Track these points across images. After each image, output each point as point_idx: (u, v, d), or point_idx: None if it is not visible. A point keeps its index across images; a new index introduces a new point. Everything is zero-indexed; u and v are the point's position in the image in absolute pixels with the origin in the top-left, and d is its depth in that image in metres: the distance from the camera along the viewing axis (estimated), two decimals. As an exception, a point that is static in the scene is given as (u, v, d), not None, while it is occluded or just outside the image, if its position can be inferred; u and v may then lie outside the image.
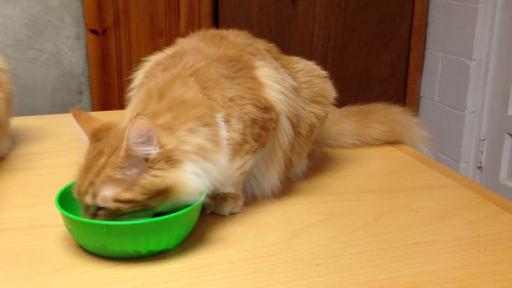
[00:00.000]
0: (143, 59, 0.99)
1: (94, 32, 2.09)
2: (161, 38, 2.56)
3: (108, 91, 2.47)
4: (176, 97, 0.81)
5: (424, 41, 2.62)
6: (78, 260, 0.75)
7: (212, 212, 0.89)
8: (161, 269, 0.74)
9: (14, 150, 1.16)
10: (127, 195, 0.72)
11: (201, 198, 0.79)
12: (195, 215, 0.80)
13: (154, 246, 0.75)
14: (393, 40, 2.69)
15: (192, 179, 0.75)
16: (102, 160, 0.74)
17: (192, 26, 2.60)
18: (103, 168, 0.73)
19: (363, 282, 0.71)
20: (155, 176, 0.73)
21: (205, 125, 0.80)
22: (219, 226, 0.85)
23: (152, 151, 0.73)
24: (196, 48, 0.93)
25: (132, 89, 0.97)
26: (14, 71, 1.16)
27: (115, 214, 0.74)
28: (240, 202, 0.91)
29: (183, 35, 2.84)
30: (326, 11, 2.64)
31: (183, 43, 0.98)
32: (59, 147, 1.22)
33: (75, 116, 0.80)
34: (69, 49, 1.73)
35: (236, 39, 0.98)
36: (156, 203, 0.74)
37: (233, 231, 0.84)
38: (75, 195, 0.75)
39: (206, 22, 2.61)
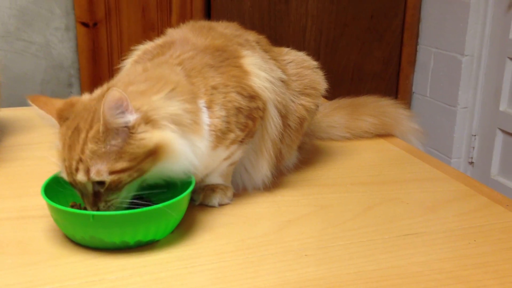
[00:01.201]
0: (132, 48, 0.98)
1: (85, 25, 2.07)
2: (152, 31, 2.54)
3: (99, 84, 2.45)
4: (157, 75, 0.80)
5: (417, 36, 2.62)
6: (65, 251, 0.74)
7: (201, 203, 0.88)
8: (149, 259, 0.73)
9: (2, 141, 1.15)
10: (120, 165, 0.72)
11: (190, 189, 0.78)
12: (184, 205, 0.79)
13: (141, 236, 0.74)
14: (386, 35, 2.69)
15: (175, 139, 0.74)
16: (82, 135, 0.72)
17: (184, 20, 2.56)
18: (85, 144, 0.72)
19: (353, 273, 0.71)
20: (140, 139, 0.72)
21: (184, 101, 0.78)
22: (208, 217, 0.84)
23: (131, 119, 0.71)
24: (184, 38, 0.92)
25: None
26: (3, 63, 1.15)
27: (117, 187, 0.73)
28: (229, 193, 0.90)
29: (175, 29, 2.80)
30: (319, 5, 2.64)
31: (172, 34, 0.97)
32: (47, 138, 1.19)
33: (33, 101, 0.78)
34: (59, 40, 1.72)
35: (225, 30, 0.97)
36: (149, 165, 0.73)
37: (222, 222, 0.83)
38: (66, 177, 0.74)
39: (198, 16, 2.60)
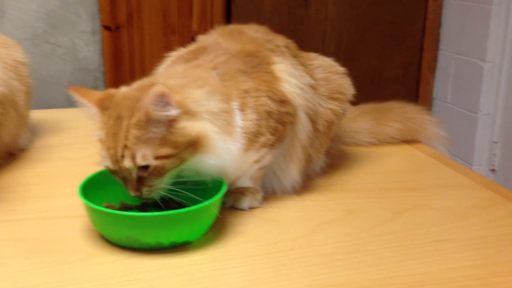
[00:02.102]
0: (165, 54, 1.00)
1: (107, 28, 2.10)
2: (173, 35, 2.57)
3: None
4: (195, 74, 0.82)
5: (437, 42, 2.62)
6: (101, 250, 0.76)
7: (231, 206, 0.89)
8: (183, 260, 0.74)
9: (33, 142, 1.17)
10: (164, 151, 0.74)
11: (222, 191, 0.79)
12: (216, 207, 0.80)
13: (176, 237, 0.76)
14: (406, 41, 2.68)
15: (214, 133, 0.77)
16: (124, 123, 0.74)
17: (205, 24, 2.60)
18: (128, 130, 0.74)
19: (384, 278, 0.71)
20: (182, 128, 0.74)
21: (221, 101, 0.81)
22: (239, 220, 0.86)
23: (172, 113, 0.74)
24: (216, 43, 0.94)
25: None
26: (30, 65, 1.17)
27: (160, 172, 0.75)
28: (259, 197, 0.91)
29: (195, 33, 2.84)
30: (339, 10, 2.64)
31: (203, 40, 0.99)
32: (76, 140, 1.22)
33: (76, 91, 0.81)
34: (85, 44, 1.74)
35: (255, 33, 0.98)
36: (189, 155, 0.76)
37: (253, 226, 0.84)
38: (111, 165, 0.76)
39: (218, 20, 2.62)
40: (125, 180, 0.77)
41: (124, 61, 2.49)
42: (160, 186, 0.77)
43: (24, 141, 1.12)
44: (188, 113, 0.75)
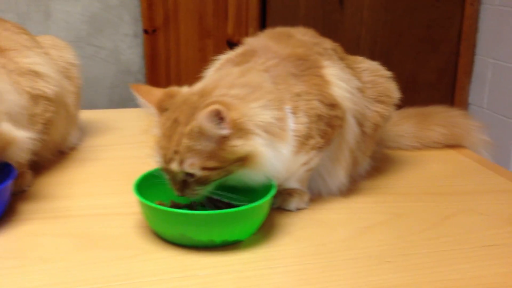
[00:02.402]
0: (213, 58, 1.02)
1: (145, 31, 2.14)
2: (208, 38, 2.60)
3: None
4: (254, 81, 0.84)
5: (473, 46, 2.58)
6: (155, 247, 0.78)
7: (279, 207, 0.90)
8: (235, 258, 0.75)
9: (83, 141, 1.21)
10: (211, 164, 0.76)
11: (271, 192, 0.80)
12: (267, 207, 0.81)
13: (228, 236, 0.77)
14: (442, 45, 2.66)
15: (265, 149, 0.78)
16: (179, 129, 0.76)
17: (239, 28, 2.63)
18: (181, 137, 0.76)
19: (435, 281, 0.72)
20: (233, 145, 0.76)
21: (276, 109, 0.82)
22: (286, 221, 0.87)
23: (225, 132, 0.75)
24: (265, 46, 0.95)
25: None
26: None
27: (204, 182, 0.77)
28: (306, 198, 0.92)
29: (230, 36, 2.85)
30: (374, 15, 2.63)
31: (251, 42, 1.00)
32: (122, 140, 1.26)
33: (136, 90, 0.83)
34: (127, 46, 1.78)
35: (303, 36, 0.99)
36: (236, 168, 0.78)
37: (301, 226, 0.85)
38: (161, 163, 0.78)
39: (253, 24, 2.63)
40: (171, 179, 0.80)
41: (160, 63, 2.53)
42: (203, 192, 0.79)
43: (74, 140, 1.15)
44: (241, 130, 0.76)
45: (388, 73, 1.06)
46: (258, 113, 0.78)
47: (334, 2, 2.57)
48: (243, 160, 0.77)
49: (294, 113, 0.84)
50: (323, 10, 2.60)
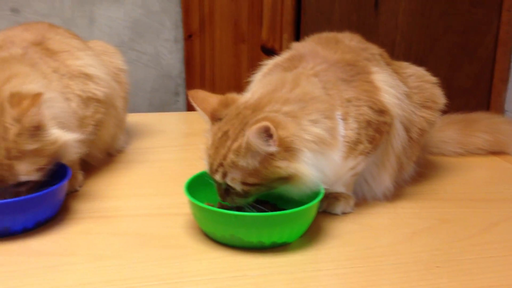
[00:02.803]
0: (260, 63, 1.03)
1: (181, 36, 2.17)
2: (243, 43, 2.62)
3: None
4: (306, 92, 0.84)
5: (510, 53, 2.54)
6: (206, 247, 0.79)
7: (325, 210, 0.91)
8: (284, 260, 0.77)
9: (129, 144, 1.24)
10: (252, 180, 0.77)
11: (320, 196, 0.81)
12: (315, 211, 0.82)
13: (277, 238, 0.78)
14: (477, 51, 2.62)
15: (310, 170, 0.78)
16: (228, 143, 0.78)
17: (274, 33, 2.64)
18: (228, 152, 0.78)
19: (487, 287, 0.71)
20: (277, 166, 0.77)
21: (327, 117, 0.83)
22: (333, 224, 0.88)
23: (272, 149, 0.76)
24: (313, 51, 0.96)
25: (249, 90, 1.00)
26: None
27: (245, 195, 0.80)
28: (352, 203, 0.93)
29: (264, 41, 2.86)
30: (409, 20, 2.60)
31: (298, 47, 1.01)
32: (167, 142, 1.28)
33: (192, 98, 0.84)
34: (168, 51, 1.81)
35: (350, 42, 1.00)
36: (278, 185, 0.79)
37: (347, 230, 0.86)
38: (208, 170, 0.81)
39: (287, 29, 2.64)
40: (217, 185, 0.82)
41: (195, 68, 2.57)
42: (243, 202, 0.81)
43: (121, 143, 1.18)
44: (287, 150, 0.77)
45: (434, 79, 1.06)
46: (309, 129, 0.79)
47: (369, 7, 2.56)
48: (286, 179, 0.78)
49: (344, 119, 0.85)
50: (357, 15, 2.58)
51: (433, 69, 2.82)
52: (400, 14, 2.58)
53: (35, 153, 0.80)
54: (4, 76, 0.85)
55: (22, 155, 0.79)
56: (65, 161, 0.87)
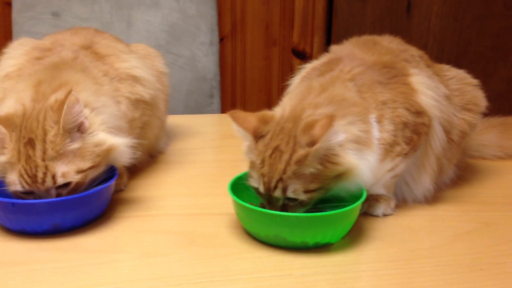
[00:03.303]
0: (299, 66, 1.04)
1: (214, 40, 2.19)
2: (274, 46, 2.64)
3: (229, 96, 2.59)
4: (337, 94, 0.85)
5: (546, 56, 2.50)
6: (250, 246, 0.81)
7: (365, 212, 0.92)
8: (328, 260, 0.78)
9: (170, 145, 1.26)
10: (313, 186, 0.78)
11: (363, 198, 0.82)
12: (357, 212, 0.83)
13: (320, 238, 0.79)
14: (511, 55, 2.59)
15: (360, 163, 0.80)
16: (284, 157, 0.78)
17: (305, 36, 2.65)
18: (288, 165, 0.78)
19: (532, 290, 0.71)
20: (334, 163, 0.78)
21: (361, 121, 0.84)
22: (375, 226, 0.88)
23: (341, 136, 0.78)
24: (351, 54, 0.97)
25: (287, 93, 1.02)
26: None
27: (307, 204, 0.80)
28: (393, 204, 0.93)
29: (295, 45, 2.87)
30: (442, 23, 2.58)
31: (336, 50, 1.02)
32: (205, 144, 1.31)
33: (234, 118, 0.83)
34: (203, 54, 1.84)
35: (389, 44, 1.01)
36: (334, 184, 0.80)
37: (389, 232, 0.87)
38: (261, 189, 0.80)
39: (319, 33, 2.65)
40: (268, 202, 0.81)
41: (226, 71, 2.60)
42: (303, 211, 0.81)
43: (163, 144, 1.21)
44: (340, 145, 0.79)
45: (475, 81, 1.06)
46: (347, 129, 0.80)
47: (401, 10, 2.55)
48: (341, 175, 0.79)
49: (379, 121, 0.85)
50: (390, 18, 2.58)
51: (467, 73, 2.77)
52: (433, 17, 2.57)
53: (76, 154, 0.82)
54: (55, 84, 0.88)
55: (60, 156, 0.81)
56: (115, 164, 0.90)
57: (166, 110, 1.22)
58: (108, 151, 0.86)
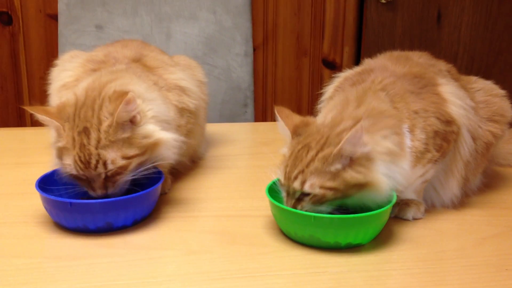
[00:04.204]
0: (333, 75, 1.10)
1: (246, 50, 2.26)
2: (305, 57, 2.69)
3: (262, 106, 2.66)
4: (373, 107, 0.90)
5: None
6: (286, 246, 0.87)
7: (396, 216, 0.97)
8: (360, 259, 0.83)
9: (208, 152, 1.33)
10: (331, 184, 0.83)
11: (393, 201, 0.87)
12: (387, 215, 0.88)
13: (352, 239, 0.85)
14: (542, 65, 2.59)
15: (384, 179, 0.84)
16: (311, 153, 0.84)
17: (335, 46, 2.70)
18: (312, 161, 0.84)
19: (556, 290, 0.75)
20: (357, 172, 0.83)
21: (395, 133, 0.89)
22: (405, 229, 0.93)
23: (358, 152, 0.83)
24: (383, 66, 1.02)
25: (322, 101, 1.08)
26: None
27: (319, 201, 0.85)
28: (422, 209, 0.98)
29: (326, 55, 2.91)
30: (472, 33, 2.60)
31: (370, 62, 1.08)
32: (242, 150, 1.37)
33: (279, 112, 0.91)
34: (238, 65, 1.91)
35: (419, 59, 1.06)
36: (353, 192, 0.84)
37: (418, 234, 0.91)
38: (282, 180, 0.87)
39: (349, 42, 2.70)
40: (287, 193, 0.87)
41: (258, 81, 2.66)
42: (312, 210, 0.85)
43: (203, 150, 1.28)
44: (365, 158, 0.83)
45: (503, 92, 1.10)
46: (381, 143, 0.85)
47: (432, 20, 2.58)
48: (362, 186, 0.83)
49: (411, 131, 0.90)
50: (420, 28, 2.60)
51: (496, 82, 2.77)
52: (463, 27, 2.59)
53: (124, 142, 0.89)
54: (111, 77, 0.96)
55: (111, 144, 0.89)
56: (162, 159, 0.96)
57: (205, 117, 1.29)
58: (155, 144, 0.93)
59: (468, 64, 2.59)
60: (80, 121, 0.90)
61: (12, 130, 1.77)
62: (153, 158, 0.94)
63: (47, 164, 1.03)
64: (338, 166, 0.83)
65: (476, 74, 2.66)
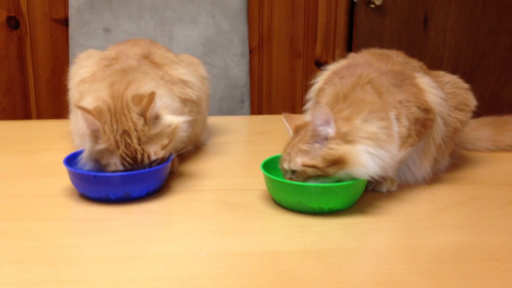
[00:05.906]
0: (322, 68, 1.26)
1: (243, 52, 2.41)
2: (298, 59, 2.84)
3: (258, 103, 2.81)
4: (356, 98, 1.06)
5: (557, 68, 2.63)
6: (278, 211, 1.02)
7: (373, 189, 1.12)
8: (339, 221, 0.98)
9: (210, 139, 1.49)
10: (311, 162, 0.99)
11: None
12: (362, 185, 1.04)
13: (333, 205, 1.00)
14: (525, 67, 2.71)
15: (362, 154, 0.97)
16: (297, 139, 1.01)
17: (327, 49, 2.84)
18: (296, 144, 1.01)
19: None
20: (330, 148, 0.98)
21: (379, 119, 1.02)
22: (380, 199, 1.09)
23: (330, 131, 0.98)
24: (368, 62, 1.18)
25: (312, 91, 1.24)
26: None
27: (303, 176, 1.00)
28: (396, 183, 1.13)
29: (318, 57, 3.04)
30: (457, 36, 2.70)
31: (355, 57, 1.23)
32: (240, 139, 1.53)
33: (285, 118, 1.08)
34: (235, 64, 2.07)
35: (397, 57, 1.22)
36: (334, 171, 0.98)
37: (391, 203, 1.07)
38: (279, 163, 1.03)
39: (340, 45, 2.83)
40: (285, 171, 1.04)
41: (254, 81, 2.81)
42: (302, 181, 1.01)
43: (205, 137, 1.44)
44: (343, 139, 0.97)
45: (466, 85, 1.26)
46: (360, 127, 0.98)
47: (419, 24, 2.69)
48: (339, 163, 0.97)
49: (397, 119, 1.06)
50: (407, 32, 2.70)
51: (480, 84, 2.89)
52: (448, 31, 2.72)
53: (158, 136, 1.06)
54: (125, 82, 1.11)
55: (149, 139, 1.05)
56: (178, 142, 1.11)
57: (207, 109, 1.45)
58: (175, 129, 1.09)
59: (453, 66, 2.72)
60: (118, 125, 1.04)
61: (26, 122, 1.92)
62: (175, 143, 1.10)
63: (63, 149, 1.20)
64: (315, 145, 0.98)
65: (461, 76, 2.82)
